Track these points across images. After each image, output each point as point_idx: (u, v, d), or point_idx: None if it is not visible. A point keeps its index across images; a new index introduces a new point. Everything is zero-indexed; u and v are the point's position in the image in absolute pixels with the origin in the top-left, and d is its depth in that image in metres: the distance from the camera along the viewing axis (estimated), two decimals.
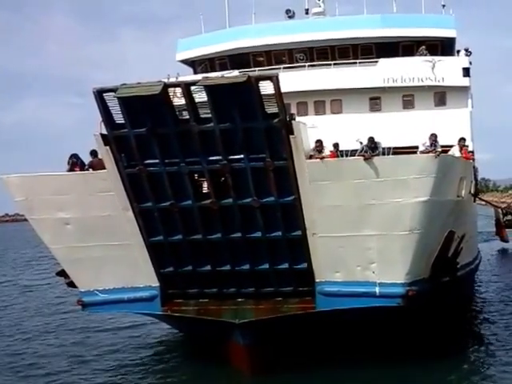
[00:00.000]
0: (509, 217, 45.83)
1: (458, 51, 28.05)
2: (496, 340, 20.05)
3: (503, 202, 47.69)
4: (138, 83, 15.13)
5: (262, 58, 28.86)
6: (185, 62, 30.89)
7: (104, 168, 16.55)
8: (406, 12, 30.15)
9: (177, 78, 24.98)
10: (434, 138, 18.33)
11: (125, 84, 15.11)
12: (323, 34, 27.81)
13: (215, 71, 27.72)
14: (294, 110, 26.07)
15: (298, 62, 28.44)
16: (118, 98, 15.08)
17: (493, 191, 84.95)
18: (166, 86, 15.01)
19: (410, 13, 29.92)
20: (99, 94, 15.34)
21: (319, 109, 27.26)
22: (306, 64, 27.98)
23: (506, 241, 46.16)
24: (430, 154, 16.74)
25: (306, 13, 31.17)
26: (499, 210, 45.77)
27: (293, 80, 25.57)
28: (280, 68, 26.70)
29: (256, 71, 23.79)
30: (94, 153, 17.63)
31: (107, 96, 15.33)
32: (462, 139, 20.20)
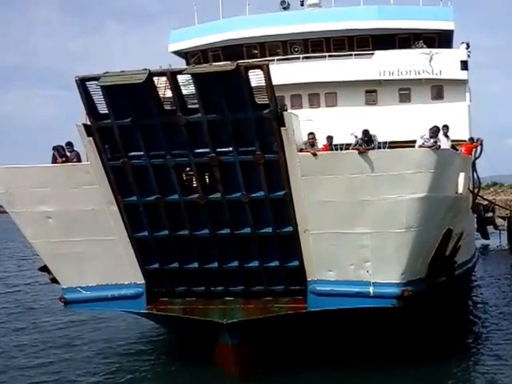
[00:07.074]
0: (490, 214, 45.27)
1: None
2: (493, 341, 19.57)
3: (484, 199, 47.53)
4: (122, 71, 14.47)
5: (255, 50, 28.46)
6: (177, 53, 30.41)
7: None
8: (403, 4, 29.62)
9: None
10: (435, 129, 17.40)
11: (108, 72, 14.45)
12: (318, 25, 27.43)
13: (208, 63, 27.16)
14: (288, 103, 25.68)
15: (292, 53, 28.05)
16: (101, 86, 14.45)
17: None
18: (151, 74, 14.32)
19: (408, 4, 29.48)
20: (82, 83, 14.70)
21: (314, 102, 26.89)
22: (301, 56, 27.60)
23: (487, 238, 45.90)
24: (428, 148, 16.10)
25: (302, 4, 30.66)
26: (481, 207, 45.30)
27: (287, 72, 25.19)
28: (274, 60, 26.24)
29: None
30: (69, 144, 17.37)
31: (90, 85, 14.69)
32: (445, 126, 19.37)
